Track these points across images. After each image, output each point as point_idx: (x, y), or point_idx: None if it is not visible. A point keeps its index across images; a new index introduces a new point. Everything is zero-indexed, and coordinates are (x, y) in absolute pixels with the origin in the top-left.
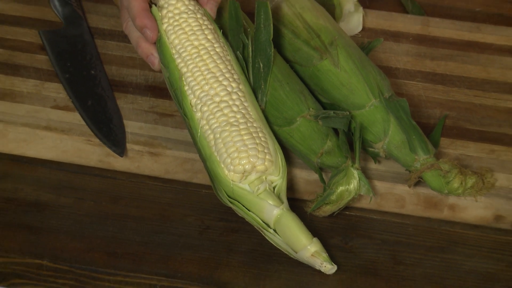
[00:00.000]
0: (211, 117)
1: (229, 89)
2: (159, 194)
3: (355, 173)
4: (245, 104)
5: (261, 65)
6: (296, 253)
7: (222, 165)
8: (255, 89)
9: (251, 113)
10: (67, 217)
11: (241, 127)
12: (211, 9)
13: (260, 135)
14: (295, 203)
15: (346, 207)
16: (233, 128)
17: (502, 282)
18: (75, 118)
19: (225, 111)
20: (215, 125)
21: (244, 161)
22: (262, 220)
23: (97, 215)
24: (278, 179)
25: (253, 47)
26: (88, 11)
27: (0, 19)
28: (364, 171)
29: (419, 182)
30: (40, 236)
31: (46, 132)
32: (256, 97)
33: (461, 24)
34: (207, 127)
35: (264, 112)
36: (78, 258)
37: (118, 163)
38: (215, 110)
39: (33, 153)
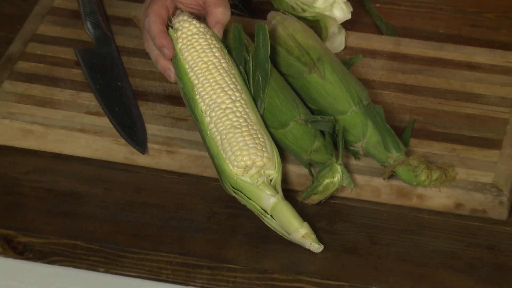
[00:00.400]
0: (218, 121)
1: (233, 97)
2: (174, 185)
3: (339, 168)
4: (247, 110)
5: (260, 77)
6: (289, 235)
7: (228, 161)
8: (255, 98)
9: (251, 118)
10: (97, 205)
11: (243, 129)
12: (218, 31)
13: (259, 136)
14: (289, 193)
15: (331, 197)
16: (237, 131)
17: (462, 259)
18: (104, 122)
19: (230, 116)
20: (222, 128)
21: (246, 158)
22: (261, 207)
23: (122, 203)
24: (274, 173)
25: (253, 62)
26: (116, 32)
27: (42, 40)
28: (346, 166)
29: (392, 175)
30: (75, 221)
31: (80, 134)
32: (256, 105)
33: (427, 44)
34: (214, 129)
35: (262, 117)
36: (107, 239)
37: (140, 159)
38: (222, 115)
39: (69, 152)
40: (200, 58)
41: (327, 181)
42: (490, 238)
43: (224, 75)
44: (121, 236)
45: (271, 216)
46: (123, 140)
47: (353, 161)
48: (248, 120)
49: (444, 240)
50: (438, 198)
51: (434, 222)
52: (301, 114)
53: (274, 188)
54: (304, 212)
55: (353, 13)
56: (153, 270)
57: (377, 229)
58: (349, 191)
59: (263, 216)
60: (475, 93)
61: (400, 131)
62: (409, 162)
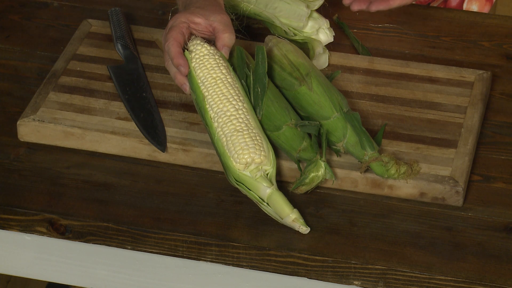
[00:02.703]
0: (224, 126)
1: (236, 106)
2: (188, 177)
3: (322, 164)
4: (248, 117)
5: (259, 89)
6: (282, 219)
7: (232, 159)
8: (255, 106)
9: (251, 123)
10: (125, 194)
11: (244, 132)
12: (225, 52)
13: (257, 138)
14: (282, 184)
15: (317, 187)
16: (239, 134)
17: (425, 239)
18: (132, 126)
19: (234, 121)
20: (227, 131)
21: (247, 156)
22: (259, 197)
23: (146, 192)
24: (270, 168)
25: (253, 77)
26: (141, 52)
27: (81, 58)
28: (329, 162)
29: (367, 169)
30: (107, 207)
31: (112, 135)
32: (256, 112)
33: (395, 61)
34: (221, 133)
35: (260, 121)
36: (133, 222)
37: (161, 156)
38: (227, 121)
39: (103, 150)
40: (209, 74)
41: (312, 174)
42: (448, 221)
43: (229, 88)
44: (145, 219)
45: (267, 203)
46: (146, 141)
47: (335, 158)
48: (249, 125)
49: (410, 222)
50: (405, 188)
51: (402, 208)
52: (292, 120)
53: (270, 180)
54: (294, 200)
55: (335, 37)
56: (171, 247)
57: (355, 214)
58: (331, 182)
59: (260, 204)
60: (435, 102)
61: (373, 133)
62: (381, 158)
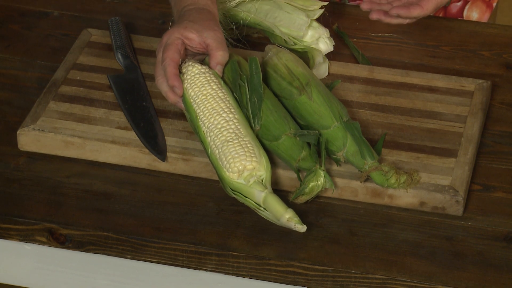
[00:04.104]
0: (215, 138)
1: (227, 118)
2: (188, 187)
3: (322, 173)
4: (239, 127)
5: (256, 99)
6: (278, 220)
7: (225, 169)
8: (253, 116)
9: (242, 132)
10: (125, 203)
11: (235, 142)
12: (219, 70)
13: (248, 145)
14: (282, 193)
15: (317, 196)
16: (229, 144)
17: (425, 248)
18: (132, 135)
19: (224, 133)
20: (218, 143)
21: (238, 164)
22: (255, 202)
23: (146, 202)
24: (263, 173)
25: (249, 87)
26: (141, 62)
27: (81, 68)
28: (330, 171)
29: (367, 179)
30: (107, 216)
31: (112, 144)
32: (254, 122)
33: (395, 71)
34: (214, 146)
35: (259, 131)
36: (133, 231)
37: (161, 166)
38: (218, 133)
39: (103, 159)
40: (200, 91)
41: (312, 184)
42: (448, 231)
43: (219, 102)
44: (145, 228)
45: (264, 208)
46: (146, 150)
47: (335, 167)
48: (239, 134)
49: (410, 232)
50: (406, 197)
51: (402, 217)
52: (291, 129)
53: (264, 185)
54: (295, 209)
55: (335, 46)
56: (171, 257)
57: (356, 223)
58: (331, 192)
59: (258, 210)
60: (435, 111)
61: (373, 143)
62: (382, 168)
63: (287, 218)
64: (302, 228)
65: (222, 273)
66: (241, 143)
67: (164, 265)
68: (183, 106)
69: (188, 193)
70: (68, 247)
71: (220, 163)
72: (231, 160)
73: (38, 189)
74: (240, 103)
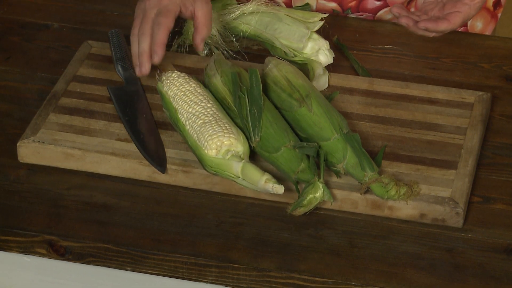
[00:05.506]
0: (193, 124)
1: (205, 107)
2: (189, 199)
3: (320, 185)
4: (216, 112)
5: (255, 111)
6: (257, 186)
7: (203, 148)
8: (253, 128)
9: (220, 116)
10: (125, 215)
11: (212, 123)
12: (201, 47)
13: (226, 125)
14: (280, 205)
15: (317, 208)
16: (207, 125)
17: (425, 260)
18: (131, 147)
19: (201, 117)
20: (196, 127)
21: (216, 140)
22: (233, 174)
23: (146, 213)
24: (241, 148)
25: (249, 99)
26: None
27: (81, 80)
28: (329, 183)
29: (367, 191)
30: (107, 228)
31: (112, 156)
32: (253, 133)
33: (395, 83)
34: (192, 131)
35: (258, 143)
36: (133, 243)
37: (161, 177)
38: (196, 119)
39: (103, 171)
40: (179, 89)
41: (310, 196)
42: (448, 243)
43: (197, 95)
44: (145, 240)
45: (243, 179)
46: (146, 162)
47: (335, 179)
48: (216, 117)
49: (410, 244)
50: (406, 209)
51: (402, 229)
52: (291, 141)
53: (242, 158)
54: (294, 221)
55: (335, 58)
56: (171, 269)
57: (355, 235)
58: (330, 204)
59: (236, 181)
60: (435, 123)
61: (373, 154)
62: (382, 179)
63: (264, 180)
64: (280, 188)
65: (222, 285)
66: (219, 123)
67: (164, 277)
68: (145, 68)
69: (188, 205)
70: (68, 259)
71: (198, 143)
72: (209, 138)
73: (38, 201)
74: (240, 115)
